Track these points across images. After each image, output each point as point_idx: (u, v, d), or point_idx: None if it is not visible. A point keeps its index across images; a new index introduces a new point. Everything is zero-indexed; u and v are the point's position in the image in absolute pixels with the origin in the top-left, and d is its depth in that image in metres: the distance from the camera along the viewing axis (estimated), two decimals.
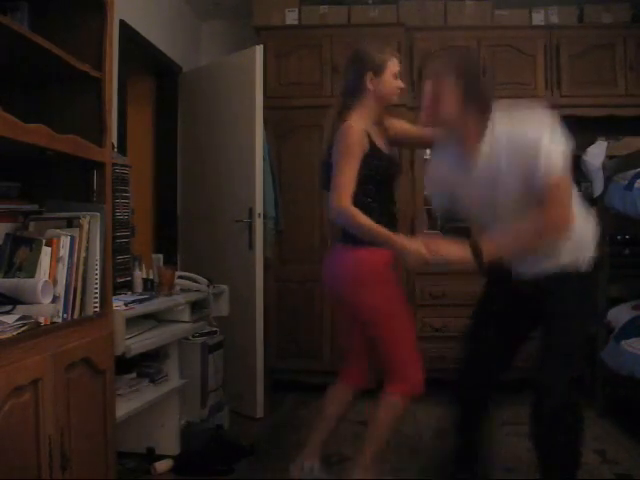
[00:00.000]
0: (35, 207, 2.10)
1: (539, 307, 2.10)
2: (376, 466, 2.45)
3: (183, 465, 2.72)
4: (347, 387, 2.55)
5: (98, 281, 2.02)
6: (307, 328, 4.03)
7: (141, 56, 3.77)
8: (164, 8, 3.93)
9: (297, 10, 4.11)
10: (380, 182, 2.29)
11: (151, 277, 2.90)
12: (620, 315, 3.41)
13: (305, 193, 4.05)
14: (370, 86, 2.31)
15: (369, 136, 2.26)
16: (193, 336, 3.02)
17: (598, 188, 3.56)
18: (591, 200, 3.70)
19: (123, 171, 2.72)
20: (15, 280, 1.84)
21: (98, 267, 2.02)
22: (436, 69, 2.00)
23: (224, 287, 3.22)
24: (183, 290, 2.99)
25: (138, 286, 2.79)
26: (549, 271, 2.03)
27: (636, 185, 3.07)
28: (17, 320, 1.65)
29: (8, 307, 1.73)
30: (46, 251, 1.87)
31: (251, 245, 3.48)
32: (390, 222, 2.28)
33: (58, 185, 2.16)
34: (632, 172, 3.18)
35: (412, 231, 3.96)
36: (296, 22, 4.10)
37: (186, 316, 2.87)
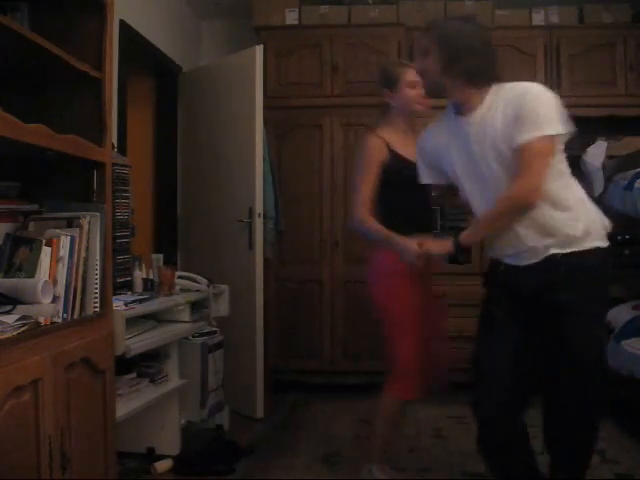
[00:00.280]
0: (35, 207, 2.10)
1: (544, 305, 1.92)
2: (381, 464, 2.48)
3: (183, 465, 2.72)
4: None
5: (98, 281, 2.02)
6: (307, 328, 4.03)
7: (141, 56, 3.77)
8: (164, 8, 3.93)
9: (297, 10, 4.11)
10: (400, 186, 2.38)
11: (151, 277, 2.89)
12: (620, 315, 3.41)
13: (305, 193, 4.06)
14: (389, 101, 2.48)
15: (388, 146, 2.41)
16: (193, 336, 3.01)
17: (598, 188, 3.56)
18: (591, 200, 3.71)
19: (123, 171, 2.72)
20: (15, 280, 1.84)
21: (98, 267, 2.02)
22: (419, 45, 2.04)
23: (224, 287, 3.22)
24: (183, 290, 2.99)
25: (138, 286, 2.79)
26: (556, 255, 1.87)
27: (636, 185, 3.08)
28: (17, 320, 1.65)
29: (8, 307, 1.73)
30: (46, 251, 1.87)
31: (251, 245, 3.48)
32: (409, 223, 2.32)
33: (58, 185, 2.16)
34: (632, 172, 3.18)
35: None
36: (296, 22, 4.11)
37: (186, 316, 2.87)
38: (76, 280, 1.95)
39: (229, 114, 3.66)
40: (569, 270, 1.86)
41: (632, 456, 2.82)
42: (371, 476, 2.50)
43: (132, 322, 2.41)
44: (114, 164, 2.45)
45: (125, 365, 2.47)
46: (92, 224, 2.02)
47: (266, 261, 3.60)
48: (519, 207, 1.85)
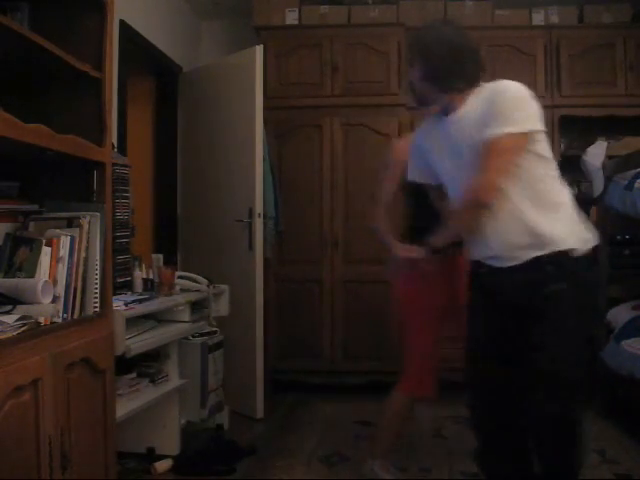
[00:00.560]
0: (35, 207, 2.10)
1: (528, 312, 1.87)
2: (386, 460, 2.51)
3: (183, 465, 2.72)
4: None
5: (98, 281, 2.02)
6: (307, 328, 4.03)
7: (141, 56, 3.77)
8: (164, 8, 3.93)
9: (297, 10, 4.11)
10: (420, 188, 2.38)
11: (151, 277, 2.89)
12: (620, 315, 3.41)
13: (305, 193, 4.06)
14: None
15: None
16: (193, 336, 3.02)
17: (598, 188, 3.56)
18: (591, 200, 3.71)
19: (123, 171, 2.72)
20: (15, 280, 1.84)
21: (98, 267, 2.02)
22: (407, 57, 2.07)
23: (224, 287, 3.22)
24: (183, 290, 2.99)
25: (138, 286, 2.79)
26: (540, 258, 1.82)
27: (636, 185, 3.07)
28: (17, 320, 1.65)
29: (8, 307, 1.73)
30: (46, 251, 1.87)
31: (251, 245, 3.48)
32: (437, 220, 2.32)
33: (58, 185, 2.16)
34: (632, 172, 3.18)
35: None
36: (296, 22, 4.11)
37: (186, 316, 2.87)
38: (76, 280, 1.95)
39: (229, 114, 3.66)
40: (556, 267, 1.81)
41: (632, 456, 2.81)
42: (374, 475, 2.50)
43: (132, 322, 2.41)
44: (114, 164, 2.45)
45: (125, 365, 2.47)
46: (92, 224, 2.02)
47: (266, 261, 3.60)
48: (475, 204, 1.83)
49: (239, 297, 3.39)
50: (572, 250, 1.81)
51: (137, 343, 2.40)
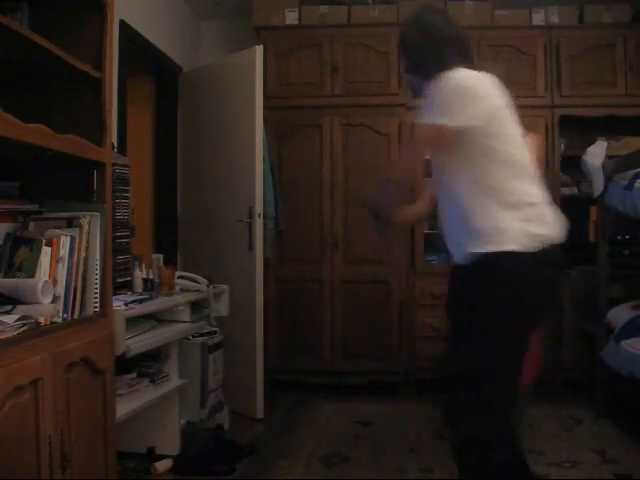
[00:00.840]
0: (35, 207, 2.10)
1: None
2: None
3: (183, 465, 2.72)
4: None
5: (98, 281, 2.02)
6: (307, 328, 4.03)
7: (141, 56, 3.77)
8: (164, 8, 3.93)
9: (297, 10, 4.11)
10: None
11: (151, 277, 2.89)
12: (620, 315, 3.41)
13: (305, 193, 4.06)
14: None
15: None
16: (193, 336, 3.02)
17: (598, 188, 3.56)
18: (591, 200, 3.71)
19: (123, 171, 2.72)
20: (15, 280, 1.84)
21: (98, 267, 2.02)
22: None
23: (224, 287, 3.22)
24: (183, 290, 2.99)
25: (138, 286, 2.79)
26: (474, 254, 1.77)
27: (636, 185, 3.07)
28: (17, 320, 1.65)
29: (8, 307, 1.73)
30: (46, 251, 1.87)
31: (251, 245, 3.48)
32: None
33: (58, 185, 2.16)
34: (632, 172, 3.18)
35: (412, 230, 3.97)
36: (296, 22, 4.11)
37: (186, 316, 2.87)
38: (76, 280, 1.95)
39: (229, 114, 3.66)
40: (476, 269, 1.77)
41: (632, 456, 2.81)
42: None
43: (132, 322, 2.41)
44: (114, 164, 2.45)
45: (125, 365, 2.47)
46: (92, 224, 2.02)
47: (266, 261, 3.60)
48: (393, 175, 1.92)
49: (239, 297, 3.39)
50: (512, 249, 1.72)
51: (137, 343, 2.40)
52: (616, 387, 3.35)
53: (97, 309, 2.03)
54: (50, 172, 2.14)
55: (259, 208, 3.46)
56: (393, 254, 3.90)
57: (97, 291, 2.02)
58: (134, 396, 2.52)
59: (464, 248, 1.81)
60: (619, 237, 3.58)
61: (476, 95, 1.78)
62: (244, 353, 3.48)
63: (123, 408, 2.34)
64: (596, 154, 3.66)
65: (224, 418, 3.25)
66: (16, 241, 1.94)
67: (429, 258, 4.03)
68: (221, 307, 3.20)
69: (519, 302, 1.72)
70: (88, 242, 2.00)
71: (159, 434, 2.81)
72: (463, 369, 1.76)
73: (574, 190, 4.08)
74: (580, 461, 2.75)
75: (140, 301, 2.53)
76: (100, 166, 2.12)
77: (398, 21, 4.03)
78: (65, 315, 1.89)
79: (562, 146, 4.06)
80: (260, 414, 3.46)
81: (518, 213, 1.76)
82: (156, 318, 2.72)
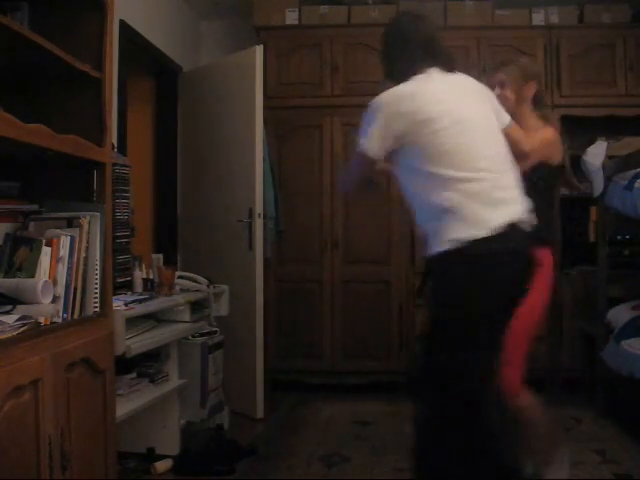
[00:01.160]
0: (35, 207, 2.10)
1: None
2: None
3: (183, 465, 2.72)
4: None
5: (98, 281, 2.02)
6: (307, 328, 4.03)
7: (141, 56, 3.77)
8: (164, 8, 3.93)
9: (297, 10, 4.11)
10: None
11: (151, 277, 2.90)
12: (620, 315, 3.41)
13: (305, 193, 4.06)
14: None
15: None
16: (193, 336, 3.02)
17: (598, 188, 3.56)
18: (591, 200, 3.71)
19: (123, 171, 2.72)
20: (15, 280, 1.84)
21: (98, 267, 2.02)
22: None
23: (224, 287, 3.22)
24: (183, 290, 2.99)
25: (138, 286, 2.79)
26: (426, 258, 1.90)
27: (636, 185, 3.07)
28: (17, 320, 1.65)
29: (8, 307, 1.73)
30: (46, 251, 1.87)
31: (251, 245, 3.48)
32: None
33: (58, 185, 2.16)
34: (632, 172, 3.17)
35: (411, 230, 3.96)
36: (296, 22, 4.11)
37: (186, 316, 2.87)
38: (76, 280, 1.95)
39: (229, 114, 3.66)
40: (430, 267, 1.90)
41: (632, 456, 2.81)
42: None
43: (132, 322, 2.41)
44: (114, 164, 2.45)
45: (125, 365, 2.47)
46: (92, 224, 2.02)
47: (266, 261, 3.60)
48: None
49: (239, 297, 3.39)
50: (441, 251, 1.78)
51: (137, 343, 2.40)
52: (616, 387, 3.35)
53: (97, 309, 2.03)
54: (50, 172, 2.14)
55: (259, 208, 3.46)
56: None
57: (97, 291, 2.02)
58: (134, 396, 2.52)
59: (424, 252, 1.91)
60: (619, 237, 3.58)
61: (395, 115, 1.86)
62: (244, 353, 3.48)
63: (123, 408, 2.34)
64: (596, 154, 3.66)
65: (224, 418, 3.25)
66: (16, 241, 1.94)
67: None
68: (221, 307, 3.20)
69: (458, 298, 1.78)
70: (88, 242, 2.00)
71: (159, 434, 2.81)
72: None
73: (581, 187, 4.07)
74: (580, 461, 2.75)
75: (140, 301, 2.53)
76: (100, 166, 2.12)
77: None
78: (65, 315, 1.89)
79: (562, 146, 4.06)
80: (260, 414, 3.46)
81: (452, 216, 1.78)
82: (156, 318, 2.72)
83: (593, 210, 3.74)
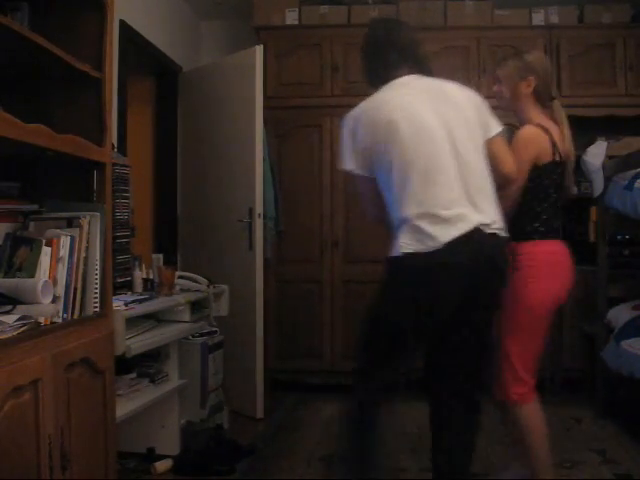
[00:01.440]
0: (35, 207, 2.10)
1: None
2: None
3: (183, 465, 2.72)
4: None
5: (98, 281, 2.02)
6: (307, 328, 4.03)
7: (141, 56, 3.77)
8: (164, 8, 3.93)
9: (297, 10, 4.11)
10: None
11: (151, 277, 2.90)
12: (620, 315, 3.41)
13: (305, 193, 4.06)
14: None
15: None
16: (193, 336, 3.02)
17: (598, 188, 3.56)
18: (591, 200, 3.71)
19: (123, 171, 2.72)
20: (15, 280, 1.84)
21: (98, 267, 2.02)
22: None
23: (224, 287, 3.22)
24: (183, 290, 2.99)
25: (138, 286, 2.79)
26: None
27: (636, 185, 3.07)
28: (17, 320, 1.65)
29: (8, 307, 1.72)
30: (46, 251, 1.87)
31: (251, 245, 3.48)
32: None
33: (58, 185, 2.16)
34: (632, 172, 3.17)
35: None
36: (296, 22, 4.11)
37: (186, 316, 2.87)
38: (76, 280, 1.95)
39: (229, 114, 3.66)
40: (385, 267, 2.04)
41: (632, 456, 2.81)
42: None
43: (132, 322, 2.41)
44: (114, 164, 2.45)
45: (125, 365, 2.47)
46: (92, 224, 2.02)
47: (266, 261, 3.60)
48: None
49: (239, 297, 3.39)
50: (392, 256, 1.95)
51: (137, 343, 2.40)
52: (616, 387, 3.35)
53: (97, 309, 2.03)
54: (50, 172, 2.14)
55: (259, 208, 3.46)
56: None
57: (97, 291, 2.02)
58: (134, 396, 2.52)
59: None
60: (619, 237, 3.58)
61: (350, 137, 2.01)
62: (244, 353, 3.48)
63: (123, 408, 2.34)
64: (596, 154, 3.67)
65: (224, 418, 3.25)
66: (16, 241, 1.94)
67: None
68: (221, 307, 3.20)
69: (395, 295, 2.06)
70: (88, 242, 2.00)
71: (159, 434, 2.81)
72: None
73: (574, 190, 4.07)
74: (580, 461, 2.75)
75: (140, 301, 2.53)
76: (100, 166, 2.12)
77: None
78: (65, 315, 1.89)
79: None
80: (260, 414, 3.46)
81: (406, 227, 1.88)
82: (156, 318, 2.73)
83: (593, 210, 3.74)
